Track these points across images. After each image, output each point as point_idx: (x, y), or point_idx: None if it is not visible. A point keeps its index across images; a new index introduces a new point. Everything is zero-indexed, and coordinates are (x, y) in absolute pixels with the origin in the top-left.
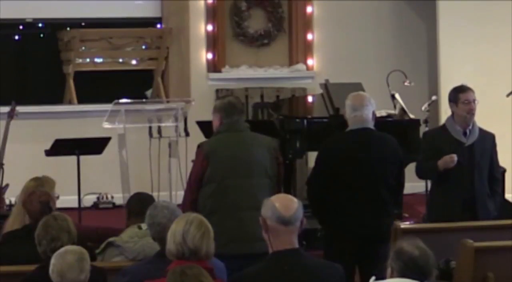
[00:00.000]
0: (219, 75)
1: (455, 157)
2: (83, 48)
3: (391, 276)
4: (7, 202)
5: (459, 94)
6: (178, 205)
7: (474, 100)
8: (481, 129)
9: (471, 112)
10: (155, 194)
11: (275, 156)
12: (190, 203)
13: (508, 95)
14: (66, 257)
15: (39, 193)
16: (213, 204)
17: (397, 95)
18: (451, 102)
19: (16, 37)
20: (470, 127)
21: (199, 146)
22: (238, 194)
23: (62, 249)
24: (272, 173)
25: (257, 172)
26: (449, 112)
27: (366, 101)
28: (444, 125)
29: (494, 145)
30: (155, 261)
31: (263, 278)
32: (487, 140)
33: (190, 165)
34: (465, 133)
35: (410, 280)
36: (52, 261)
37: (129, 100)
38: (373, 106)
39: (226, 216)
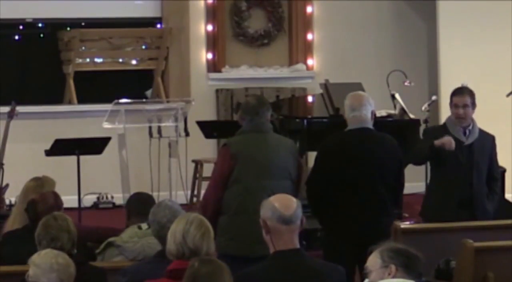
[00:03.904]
0: (219, 75)
1: (453, 143)
2: (83, 48)
3: (395, 275)
4: (7, 202)
5: (452, 97)
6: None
7: (464, 105)
8: (481, 130)
9: (459, 117)
10: (155, 194)
11: (297, 158)
12: (215, 201)
13: (508, 95)
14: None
15: (52, 193)
16: (239, 205)
17: (397, 95)
18: (449, 103)
19: (16, 37)
20: (470, 127)
21: (225, 144)
22: (262, 196)
23: (38, 265)
24: (294, 175)
25: (280, 174)
26: (449, 112)
27: (365, 101)
28: (444, 124)
29: (494, 146)
30: (155, 261)
31: (266, 277)
32: (487, 141)
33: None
34: (465, 133)
35: (407, 280)
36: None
37: (129, 100)
38: (372, 106)
39: (251, 217)
